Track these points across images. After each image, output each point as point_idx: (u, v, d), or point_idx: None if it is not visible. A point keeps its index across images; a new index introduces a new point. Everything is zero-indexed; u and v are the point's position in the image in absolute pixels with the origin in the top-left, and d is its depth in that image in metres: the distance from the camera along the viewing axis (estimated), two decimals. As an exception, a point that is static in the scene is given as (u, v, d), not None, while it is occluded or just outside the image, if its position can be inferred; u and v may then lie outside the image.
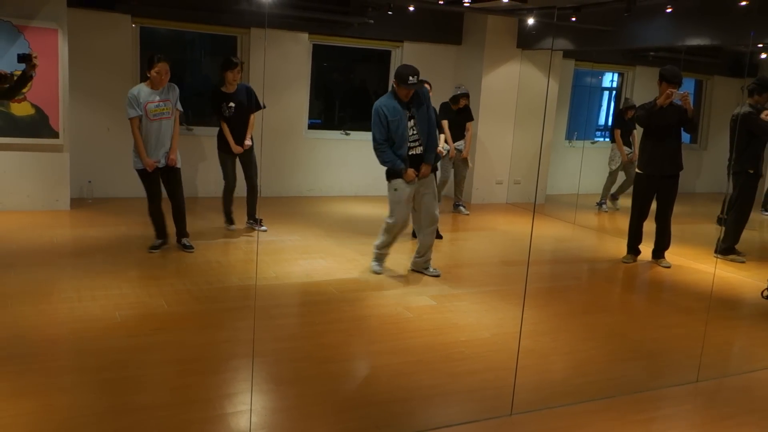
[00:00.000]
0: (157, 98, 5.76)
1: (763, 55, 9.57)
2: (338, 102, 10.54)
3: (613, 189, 9.72)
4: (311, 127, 9.44)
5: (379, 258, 5.82)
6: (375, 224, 7.31)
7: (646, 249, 6.79)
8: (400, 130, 5.41)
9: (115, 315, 4.44)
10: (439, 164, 7.91)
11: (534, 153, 9.75)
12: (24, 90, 6.37)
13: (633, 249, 6.78)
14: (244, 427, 3.17)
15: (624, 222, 7.01)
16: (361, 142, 9.32)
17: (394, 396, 3.58)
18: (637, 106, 6.89)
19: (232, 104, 6.59)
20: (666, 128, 6.29)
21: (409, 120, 5.46)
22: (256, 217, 7.09)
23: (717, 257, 7.01)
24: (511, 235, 7.86)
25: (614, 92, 11.53)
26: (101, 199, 7.93)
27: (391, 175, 5.53)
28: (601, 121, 11.91)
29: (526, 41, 9.34)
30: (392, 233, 5.66)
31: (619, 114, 9.59)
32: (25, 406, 3.20)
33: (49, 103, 7.16)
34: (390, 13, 8.40)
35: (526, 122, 9.71)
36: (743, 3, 6.28)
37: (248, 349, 3.99)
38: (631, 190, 7.39)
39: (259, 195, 7.14)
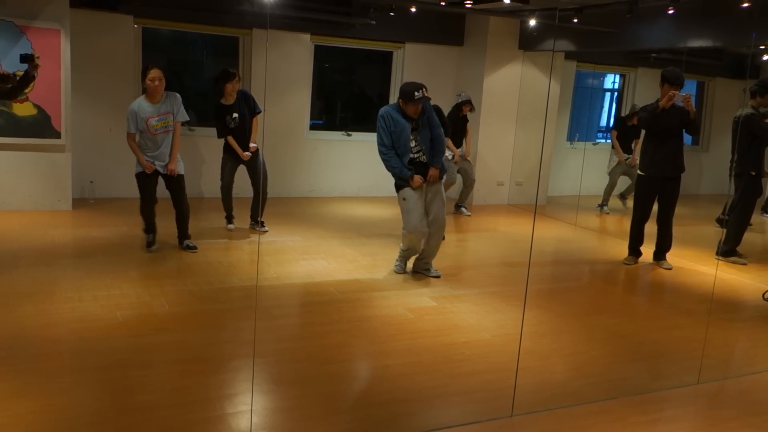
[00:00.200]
0: (158, 113, 5.74)
1: (765, 57, 9.59)
2: (340, 103, 10.55)
3: (617, 191, 9.70)
4: (313, 127, 9.45)
5: (403, 258, 5.86)
6: (376, 225, 7.33)
7: (647, 251, 6.78)
8: (402, 140, 5.43)
9: (116, 315, 4.45)
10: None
11: (535, 154, 9.75)
12: (26, 90, 6.40)
13: (634, 251, 6.77)
14: (244, 427, 3.17)
15: (625, 224, 7.01)
16: (363, 143, 9.33)
17: (394, 397, 3.58)
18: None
19: (235, 115, 6.62)
20: (668, 130, 6.28)
21: (412, 132, 5.46)
22: (259, 219, 7.08)
23: (718, 259, 7.01)
24: (513, 236, 7.86)
25: (616, 94, 11.53)
26: (103, 200, 7.94)
27: (399, 185, 5.55)
28: (603, 122, 11.91)
29: (528, 42, 9.34)
30: (411, 241, 5.62)
31: (621, 118, 9.56)
32: (27, 406, 3.20)
33: (51, 104, 7.17)
34: (392, 14, 8.41)
35: (528, 123, 9.71)
36: (745, 5, 6.28)
37: (249, 350, 3.99)
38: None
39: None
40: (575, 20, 7.74)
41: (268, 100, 8.92)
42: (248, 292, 5.17)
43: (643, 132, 6.93)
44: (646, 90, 10.30)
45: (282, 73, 8.88)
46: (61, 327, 4.24)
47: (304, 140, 9.25)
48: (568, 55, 9.80)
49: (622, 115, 10.35)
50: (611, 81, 11.61)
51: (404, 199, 5.53)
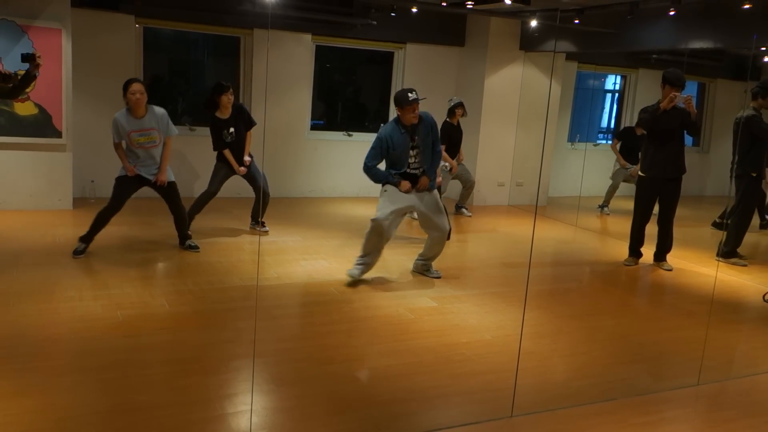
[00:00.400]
0: (141, 127, 5.70)
1: (766, 59, 9.57)
2: (340, 103, 10.56)
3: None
4: (313, 128, 9.45)
5: (358, 263, 5.51)
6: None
7: (648, 252, 6.78)
8: (402, 159, 5.45)
9: (116, 314, 4.45)
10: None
11: (536, 155, 9.75)
12: (27, 89, 6.41)
13: (635, 252, 6.77)
14: (244, 427, 3.17)
15: (625, 225, 7.01)
16: (364, 143, 9.28)
17: (394, 397, 3.58)
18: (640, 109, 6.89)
19: (232, 130, 6.59)
20: (669, 131, 6.28)
21: (412, 149, 5.45)
22: (260, 220, 7.08)
23: (719, 260, 7.01)
24: (513, 237, 7.86)
25: (617, 95, 11.53)
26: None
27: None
28: (604, 123, 11.92)
29: (529, 43, 9.34)
30: (374, 233, 5.40)
31: (628, 128, 9.47)
32: (27, 405, 3.21)
33: (52, 103, 7.18)
34: (393, 14, 8.42)
35: (529, 124, 9.71)
36: (746, 6, 6.28)
37: (249, 350, 3.99)
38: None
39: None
40: (576, 21, 7.74)
41: (269, 100, 8.93)
42: (249, 291, 5.17)
43: None
44: (647, 91, 10.30)
45: (283, 73, 8.88)
46: (62, 326, 4.24)
47: (305, 140, 9.26)
48: (569, 56, 9.81)
49: (628, 124, 10.35)
50: (612, 82, 11.61)
51: (385, 190, 5.51)
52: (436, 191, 5.67)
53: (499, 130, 9.64)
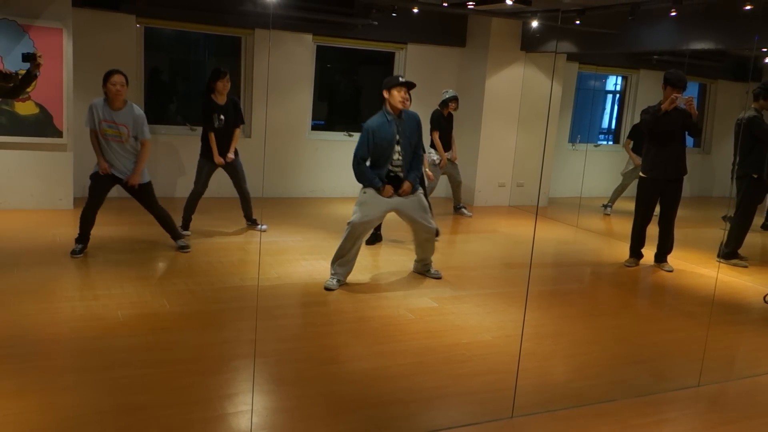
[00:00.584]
0: (113, 120, 5.61)
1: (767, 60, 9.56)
2: (341, 103, 10.56)
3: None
4: (314, 128, 9.45)
5: (335, 273, 5.38)
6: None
7: (649, 253, 6.78)
8: (386, 154, 5.31)
9: (117, 314, 4.45)
10: (431, 172, 7.88)
11: (537, 156, 9.75)
12: (28, 89, 6.41)
13: (635, 253, 6.77)
14: (245, 427, 3.17)
15: (626, 226, 7.00)
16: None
17: (395, 398, 3.58)
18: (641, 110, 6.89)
19: (222, 117, 6.57)
20: (670, 132, 6.28)
21: (398, 144, 5.34)
22: (253, 217, 7.07)
23: (719, 261, 7.00)
24: (514, 237, 7.86)
25: (618, 96, 11.53)
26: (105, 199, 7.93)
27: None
28: (605, 124, 11.91)
29: (530, 44, 9.34)
30: (351, 236, 5.30)
31: (639, 128, 9.47)
32: (28, 405, 3.21)
33: (53, 103, 7.18)
34: (394, 15, 8.42)
35: (530, 125, 9.71)
36: (747, 7, 6.27)
37: (250, 350, 3.99)
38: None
39: (252, 197, 7.07)
40: (577, 22, 7.74)
41: (270, 100, 8.93)
42: (249, 292, 5.17)
43: None
44: (648, 92, 10.30)
45: (284, 73, 8.88)
46: (63, 326, 4.24)
47: (306, 140, 9.26)
48: (570, 57, 9.81)
49: (629, 125, 10.34)
50: (613, 83, 11.61)
51: (365, 192, 5.37)
52: (420, 191, 5.57)
53: (500, 130, 9.64)
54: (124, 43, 7.96)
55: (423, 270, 5.85)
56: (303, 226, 7.44)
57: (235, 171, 6.81)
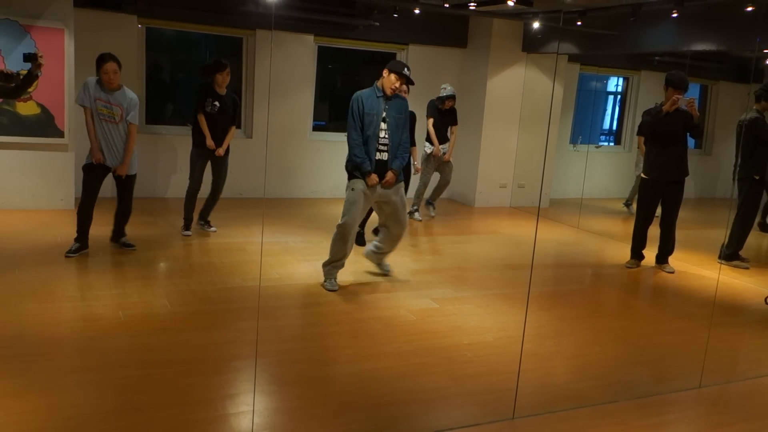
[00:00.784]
0: (108, 100, 5.56)
1: (769, 61, 9.56)
2: (343, 104, 10.54)
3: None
4: (315, 129, 9.46)
5: (330, 275, 5.38)
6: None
7: (650, 254, 6.77)
8: (372, 128, 5.19)
9: (118, 314, 4.45)
10: (420, 165, 7.84)
11: (538, 157, 9.75)
12: (30, 89, 6.41)
13: (637, 254, 6.77)
14: (246, 427, 3.17)
15: (627, 227, 7.00)
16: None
17: (396, 398, 3.57)
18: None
19: (217, 103, 6.46)
20: (671, 134, 6.28)
21: (384, 122, 5.24)
22: (208, 219, 6.92)
23: (721, 263, 7.00)
24: (515, 238, 7.86)
25: (619, 97, 11.54)
26: (105, 199, 7.90)
27: (352, 175, 5.28)
28: (606, 125, 11.91)
29: (532, 45, 9.34)
30: (344, 238, 5.26)
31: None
32: (30, 405, 3.21)
33: (54, 103, 7.18)
34: (395, 15, 8.42)
35: (531, 126, 9.71)
36: (749, 9, 6.27)
37: (251, 350, 4.00)
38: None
39: (254, 197, 7.00)
40: (579, 23, 7.74)
41: (271, 101, 8.93)
42: (250, 292, 5.17)
43: None
44: (650, 93, 10.30)
45: (285, 74, 8.89)
46: (64, 326, 4.25)
47: (307, 141, 9.26)
48: (572, 58, 9.81)
49: (631, 127, 10.35)
50: (614, 84, 11.61)
51: (352, 189, 5.22)
52: (402, 184, 5.48)
53: (501, 131, 9.64)
54: (125, 43, 7.96)
55: (377, 260, 5.74)
56: (304, 227, 7.44)
57: (220, 168, 6.68)
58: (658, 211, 6.65)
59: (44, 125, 7.17)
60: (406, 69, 5.26)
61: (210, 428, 3.16)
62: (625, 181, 10.26)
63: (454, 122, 8.31)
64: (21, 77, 5.12)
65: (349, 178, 5.30)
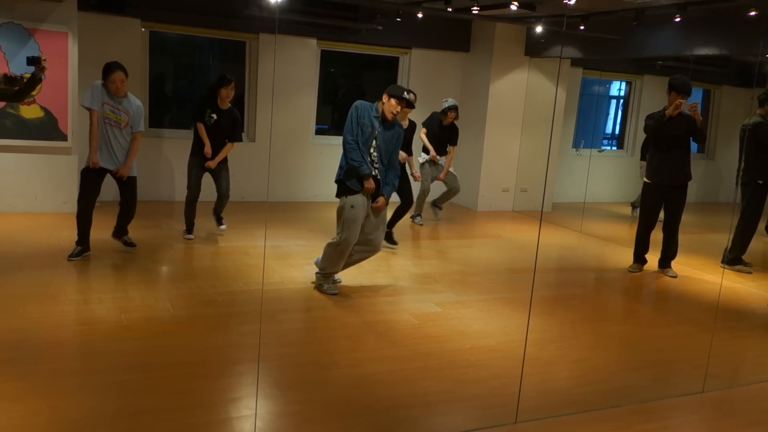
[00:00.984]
0: (115, 105, 5.58)
1: (772, 66, 9.55)
2: (345, 108, 10.55)
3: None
4: (318, 132, 9.47)
5: (327, 280, 5.36)
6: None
7: (653, 258, 6.77)
8: (365, 137, 5.11)
9: (121, 318, 4.45)
10: (417, 173, 7.83)
11: (541, 161, 9.74)
12: (33, 93, 6.40)
13: (639, 258, 6.76)
14: (248, 431, 3.17)
15: (630, 231, 7.00)
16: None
17: (398, 402, 3.57)
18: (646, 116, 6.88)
19: (214, 116, 6.46)
20: (674, 138, 6.28)
21: (375, 140, 5.16)
22: (220, 215, 6.90)
23: (724, 267, 6.99)
24: (517, 242, 7.85)
25: (621, 101, 11.53)
26: (108, 202, 7.93)
27: (347, 191, 5.14)
28: (609, 129, 11.91)
29: (534, 49, 9.35)
30: (343, 254, 5.22)
31: None
32: (32, 408, 3.21)
33: (58, 106, 7.20)
34: (398, 19, 8.43)
35: (533, 130, 9.71)
36: (752, 13, 6.28)
37: (253, 354, 4.00)
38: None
39: (257, 201, 6.98)
40: (582, 27, 7.75)
41: (274, 104, 8.95)
42: (253, 296, 5.17)
43: None
44: (653, 97, 10.31)
45: (288, 77, 8.90)
46: (67, 329, 4.25)
47: (310, 145, 9.27)
48: (575, 62, 9.81)
49: (633, 131, 10.34)
50: (617, 88, 11.61)
51: (352, 206, 5.11)
52: (385, 211, 5.41)
53: (504, 135, 9.64)
54: (129, 46, 7.98)
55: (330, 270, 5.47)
56: (307, 231, 7.44)
57: (219, 176, 6.67)
58: (661, 215, 6.64)
59: (48, 128, 7.19)
60: (406, 93, 5.16)
61: (212, 432, 3.16)
62: (627, 185, 10.25)
63: (454, 142, 8.20)
64: (25, 80, 5.13)
65: (346, 194, 5.16)
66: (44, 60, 5.09)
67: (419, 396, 3.66)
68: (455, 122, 8.14)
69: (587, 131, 10.98)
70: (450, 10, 7.58)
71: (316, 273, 5.42)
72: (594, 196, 9.90)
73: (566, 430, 3.42)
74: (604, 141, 11.76)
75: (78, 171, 7.40)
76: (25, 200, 7.29)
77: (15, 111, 7.01)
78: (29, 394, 3.34)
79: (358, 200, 5.14)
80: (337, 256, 5.24)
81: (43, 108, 7.14)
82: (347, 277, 5.68)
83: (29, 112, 7.08)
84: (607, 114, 11.86)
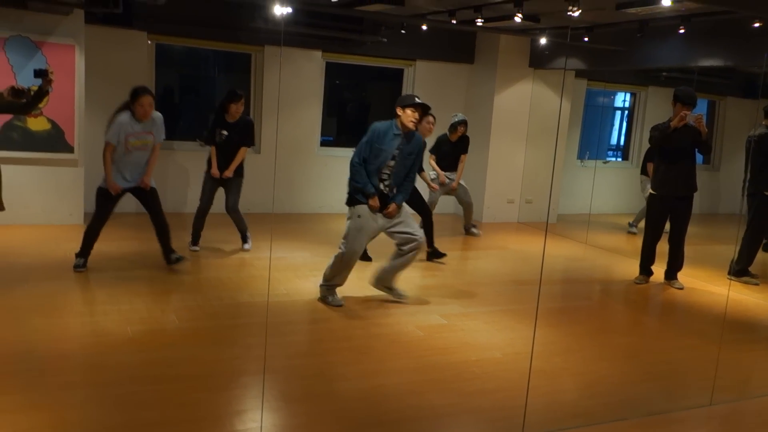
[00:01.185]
0: (140, 130, 5.64)
1: (777, 77, 9.55)
2: (350, 120, 10.59)
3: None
4: (323, 144, 9.48)
5: (330, 292, 5.34)
6: (385, 242, 7.32)
7: (659, 270, 6.74)
8: (379, 161, 5.15)
9: (126, 330, 4.45)
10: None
11: (546, 172, 9.74)
12: (40, 105, 6.44)
13: (645, 270, 6.73)
14: (253, 444, 3.16)
15: (636, 243, 6.98)
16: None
17: (404, 415, 3.56)
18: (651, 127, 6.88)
19: (225, 132, 6.53)
20: (680, 150, 6.27)
21: (392, 159, 5.19)
22: (245, 233, 6.92)
23: (730, 279, 6.96)
24: (523, 254, 7.84)
25: (626, 112, 11.53)
26: (114, 214, 7.94)
27: (355, 201, 5.18)
28: (613, 140, 11.91)
29: (539, 61, 9.37)
30: (348, 265, 5.23)
31: None
32: (38, 420, 3.20)
33: (65, 119, 7.24)
34: (403, 31, 8.46)
35: (538, 141, 9.71)
36: (757, 24, 6.28)
37: (259, 366, 3.99)
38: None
39: (262, 212, 6.99)
40: (586, 39, 7.76)
41: (280, 116, 8.97)
42: (258, 308, 5.16)
43: None
44: (657, 109, 10.30)
45: (293, 89, 8.93)
46: (72, 342, 4.25)
47: (315, 156, 9.28)
48: (579, 74, 9.83)
49: (638, 142, 10.34)
50: (622, 99, 11.62)
51: (359, 216, 5.13)
52: (405, 208, 5.40)
53: (509, 147, 9.64)
54: (135, 59, 8.03)
55: (386, 285, 5.47)
56: (312, 242, 7.45)
57: (230, 189, 6.72)
58: (667, 227, 6.62)
59: (54, 141, 7.22)
60: (416, 98, 5.19)
61: (217, 445, 3.15)
62: (632, 196, 10.21)
63: (465, 151, 8.21)
64: (32, 93, 5.17)
65: (353, 204, 5.20)
66: (51, 73, 5.13)
67: (425, 408, 3.64)
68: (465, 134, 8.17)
69: (592, 142, 10.98)
70: (454, 22, 7.60)
71: (321, 285, 5.42)
72: (599, 208, 9.88)
73: (573, 444, 3.40)
74: (608, 152, 11.76)
75: (84, 183, 7.46)
76: (31, 212, 7.32)
77: (22, 123, 7.04)
78: (34, 406, 3.33)
79: (365, 210, 5.16)
80: (341, 267, 5.24)
81: (49, 120, 7.17)
82: (351, 288, 5.67)
83: (36, 124, 7.12)
84: (612, 125, 11.86)
